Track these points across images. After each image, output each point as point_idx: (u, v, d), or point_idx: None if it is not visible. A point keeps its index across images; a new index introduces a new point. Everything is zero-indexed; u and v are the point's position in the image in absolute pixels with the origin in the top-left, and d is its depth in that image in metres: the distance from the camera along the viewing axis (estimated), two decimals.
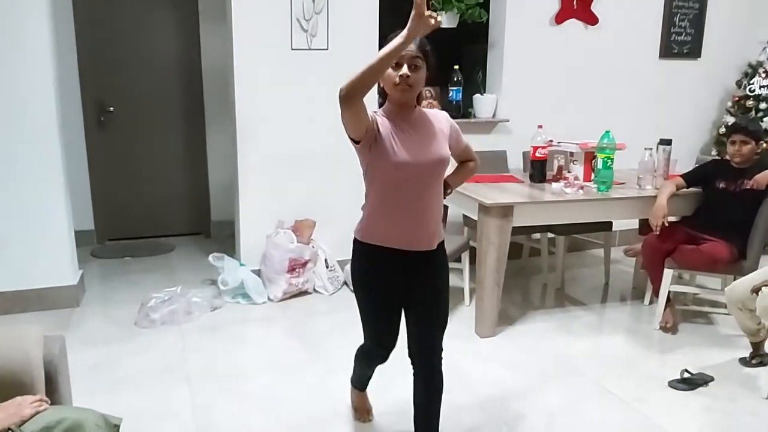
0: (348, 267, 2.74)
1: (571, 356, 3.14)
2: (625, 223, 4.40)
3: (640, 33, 4.74)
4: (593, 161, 3.58)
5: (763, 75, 4.76)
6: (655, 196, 3.39)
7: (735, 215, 3.29)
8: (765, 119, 4.60)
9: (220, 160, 4.91)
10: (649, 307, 3.76)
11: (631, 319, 3.69)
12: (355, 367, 2.42)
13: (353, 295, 2.13)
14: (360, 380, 2.47)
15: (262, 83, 3.83)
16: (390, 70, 1.82)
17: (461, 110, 4.41)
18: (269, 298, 3.81)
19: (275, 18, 3.76)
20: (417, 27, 1.60)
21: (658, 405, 2.69)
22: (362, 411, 2.53)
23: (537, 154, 3.64)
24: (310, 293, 3.95)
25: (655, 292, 3.53)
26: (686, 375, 2.88)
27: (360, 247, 2.02)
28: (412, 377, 2.10)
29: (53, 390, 1.73)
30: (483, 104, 4.42)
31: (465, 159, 2.22)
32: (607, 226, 4.13)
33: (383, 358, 2.22)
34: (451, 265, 3.48)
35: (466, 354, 3.14)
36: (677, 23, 4.81)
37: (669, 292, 3.44)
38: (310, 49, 3.86)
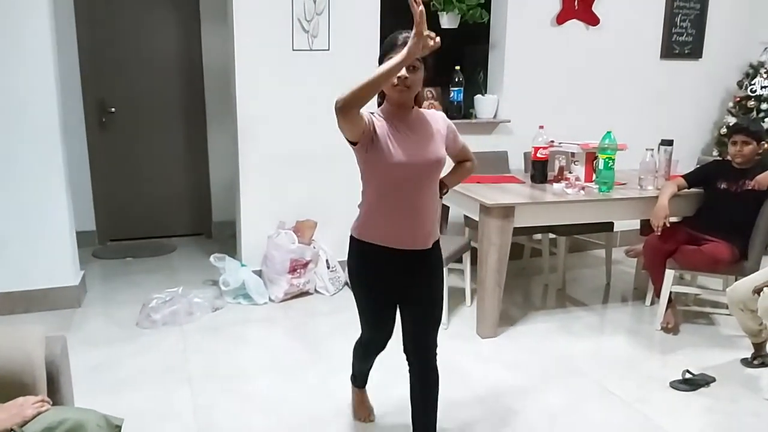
0: None
1: (573, 357, 3.14)
2: (627, 223, 4.40)
3: (641, 33, 4.73)
4: (594, 162, 3.58)
5: (765, 75, 4.75)
6: (657, 197, 3.39)
7: (736, 216, 3.29)
8: (766, 120, 4.60)
9: (222, 160, 4.91)
10: (651, 307, 3.76)
11: (632, 320, 3.69)
12: (353, 362, 2.44)
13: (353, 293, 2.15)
14: (359, 376, 2.48)
15: (263, 84, 3.83)
16: None
17: (462, 111, 4.40)
18: (270, 299, 3.82)
19: (276, 18, 3.76)
20: (416, 46, 1.63)
21: (659, 406, 2.68)
22: (363, 411, 2.53)
23: (538, 155, 3.64)
24: (312, 294, 3.96)
25: (657, 293, 3.53)
26: (688, 376, 2.87)
27: (356, 245, 2.05)
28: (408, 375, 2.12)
29: (55, 390, 1.74)
30: (484, 105, 4.42)
31: (462, 159, 2.24)
32: (608, 226, 4.12)
33: (380, 348, 2.27)
34: (452, 265, 3.51)
35: (468, 354, 3.14)
36: (678, 24, 4.81)
37: (670, 292, 3.44)
38: (311, 49, 3.86)
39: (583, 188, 3.45)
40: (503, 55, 4.42)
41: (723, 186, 3.37)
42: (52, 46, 3.38)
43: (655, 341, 3.36)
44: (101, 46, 4.67)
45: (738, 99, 4.90)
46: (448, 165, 2.16)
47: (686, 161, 4.16)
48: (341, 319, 3.54)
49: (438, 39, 1.68)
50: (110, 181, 4.86)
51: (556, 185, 3.53)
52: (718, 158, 4.30)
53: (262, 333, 3.43)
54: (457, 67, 4.32)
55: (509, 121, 4.45)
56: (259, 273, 3.88)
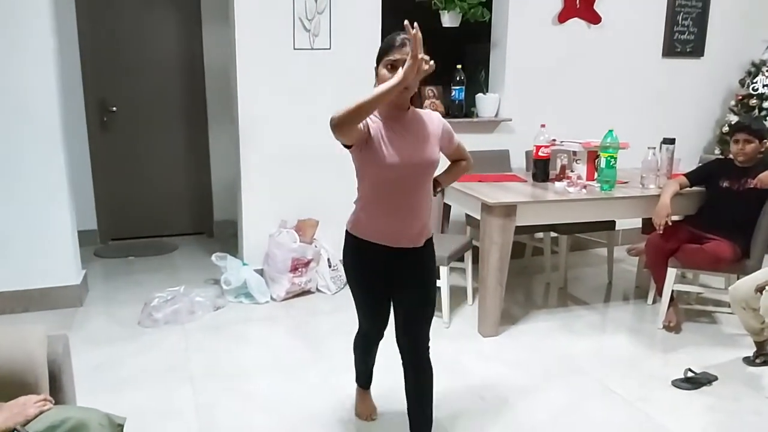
0: None
1: (574, 355, 3.14)
2: (628, 222, 4.40)
3: (642, 32, 4.73)
4: (596, 160, 3.58)
5: (767, 73, 4.74)
6: (659, 196, 3.39)
7: (738, 214, 3.28)
8: None
9: (223, 159, 4.91)
10: (653, 306, 3.75)
11: (634, 319, 3.68)
12: (355, 359, 2.46)
13: None
14: (362, 374, 2.49)
15: (265, 83, 3.83)
16: (385, 72, 1.87)
17: (464, 109, 4.40)
18: (272, 298, 3.82)
19: (277, 18, 3.76)
20: (411, 69, 1.65)
21: (661, 404, 2.68)
22: (365, 410, 2.53)
23: (540, 154, 3.63)
24: (313, 293, 3.96)
25: (659, 292, 3.52)
26: (690, 374, 2.87)
27: (351, 240, 2.10)
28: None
29: (57, 389, 1.74)
30: (486, 103, 4.42)
31: (458, 158, 2.26)
32: (610, 225, 4.12)
33: (378, 337, 2.31)
34: (454, 264, 3.51)
35: (469, 353, 3.14)
36: (680, 22, 4.80)
37: (672, 291, 3.43)
38: (312, 48, 3.86)
39: (584, 187, 3.44)
40: (505, 54, 4.41)
41: (725, 184, 3.37)
42: (54, 46, 3.38)
43: (657, 340, 3.36)
44: (102, 46, 4.68)
45: (740, 97, 4.89)
46: (445, 163, 2.17)
47: (688, 160, 4.15)
48: (343, 317, 3.54)
49: (432, 63, 1.72)
50: (112, 180, 4.87)
51: (557, 184, 3.52)
52: (720, 157, 4.29)
53: (264, 332, 3.43)
54: (459, 66, 4.31)
55: (511, 120, 4.45)
56: (260, 272, 3.88)
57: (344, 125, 1.73)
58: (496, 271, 3.24)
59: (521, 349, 3.22)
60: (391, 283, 2.10)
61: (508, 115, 4.45)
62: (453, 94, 4.33)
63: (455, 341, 3.27)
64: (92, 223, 4.82)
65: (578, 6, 4.45)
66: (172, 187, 5.08)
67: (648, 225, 3.58)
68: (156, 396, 2.69)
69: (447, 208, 3.92)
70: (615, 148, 3.43)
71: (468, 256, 3.67)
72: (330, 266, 3.97)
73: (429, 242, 2.11)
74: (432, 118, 2.06)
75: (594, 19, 4.53)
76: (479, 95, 4.45)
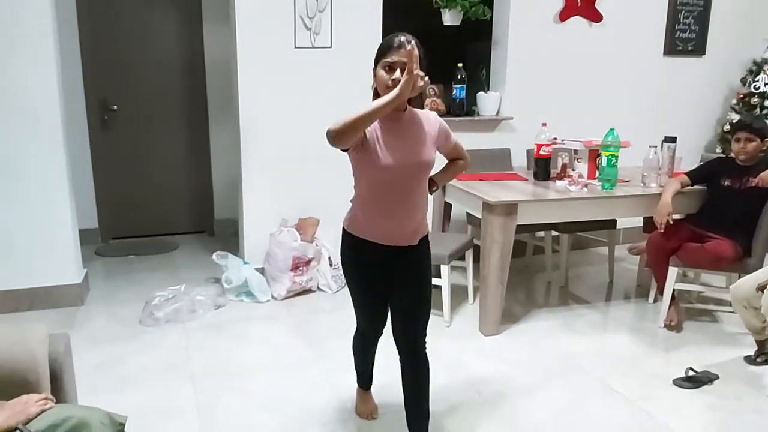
0: None
1: (575, 354, 3.14)
2: (630, 221, 4.39)
3: (644, 30, 4.72)
4: (597, 159, 3.57)
5: None
6: (660, 194, 3.38)
7: (740, 213, 3.28)
8: None
9: (224, 158, 4.91)
10: (654, 305, 3.75)
11: (635, 318, 3.68)
12: (355, 359, 2.46)
13: None
14: (362, 374, 2.49)
15: (266, 81, 3.82)
16: (383, 73, 1.90)
17: (465, 108, 4.40)
18: (273, 297, 3.82)
19: (278, 16, 3.76)
20: (407, 85, 1.70)
21: (662, 403, 2.68)
22: (366, 409, 2.53)
23: (541, 152, 3.63)
24: (314, 291, 3.96)
25: (660, 290, 3.52)
26: (691, 373, 2.87)
27: (347, 238, 2.12)
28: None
29: (58, 388, 1.73)
30: (487, 102, 4.41)
31: (455, 157, 2.27)
32: (611, 224, 4.12)
33: (377, 335, 2.33)
34: (455, 263, 3.51)
35: (470, 352, 3.14)
36: (682, 20, 4.80)
37: (674, 290, 3.43)
38: (313, 47, 3.86)
39: (586, 185, 3.44)
40: (506, 52, 4.41)
41: (726, 183, 3.37)
42: (55, 45, 3.38)
43: (658, 339, 3.36)
44: (103, 45, 4.67)
45: (741, 96, 4.89)
46: (441, 161, 2.17)
47: (689, 158, 4.15)
48: (343, 316, 3.52)
49: (427, 79, 1.78)
50: (112, 178, 4.87)
51: (558, 182, 3.52)
52: (722, 155, 4.29)
53: (265, 330, 3.43)
54: (460, 65, 4.30)
55: (512, 119, 4.44)
56: (261, 271, 3.88)
57: (341, 138, 1.77)
58: (497, 269, 3.24)
59: (522, 347, 3.22)
60: (387, 282, 2.12)
61: (509, 114, 4.44)
62: (454, 92, 4.33)
63: (456, 340, 3.27)
64: (93, 221, 4.82)
65: (579, 4, 4.45)
66: (173, 186, 5.08)
67: (649, 224, 3.57)
68: (157, 395, 2.69)
69: (448, 207, 3.91)
70: (616, 146, 3.42)
71: (469, 254, 3.67)
72: (331, 265, 3.97)
73: (424, 240, 2.13)
74: (429, 118, 2.07)
75: (595, 17, 4.52)
76: (480, 94, 4.44)
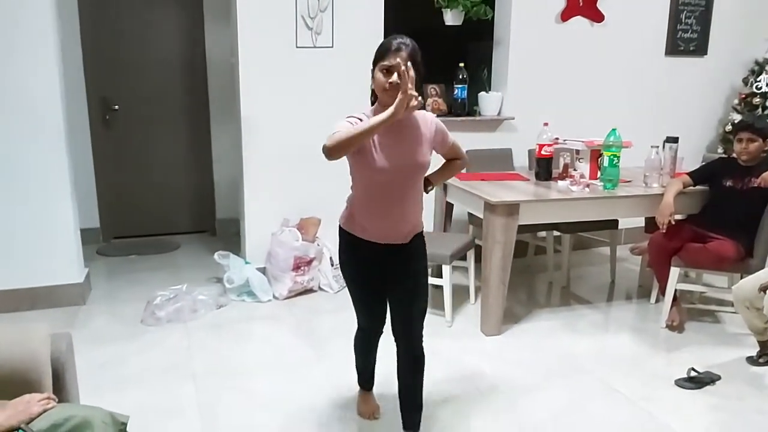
0: None
1: (577, 354, 3.14)
2: (631, 221, 4.39)
3: (646, 30, 4.71)
4: (599, 159, 3.57)
5: None
6: (662, 194, 3.38)
7: (742, 213, 3.27)
8: None
9: (225, 157, 4.91)
10: (656, 305, 3.75)
11: (637, 318, 3.68)
12: (356, 359, 2.47)
13: None
14: (363, 374, 2.50)
15: (267, 81, 3.82)
16: (380, 76, 1.93)
17: (466, 108, 4.39)
18: (274, 296, 3.82)
19: (280, 16, 3.76)
20: (401, 104, 1.75)
21: (664, 404, 2.68)
22: (367, 409, 2.53)
23: (543, 152, 3.63)
24: (315, 291, 3.96)
25: (662, 291, 3.52)
26: (693, 374, 2.87)
27: (344, 236, 2.17)
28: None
29: (60, 388, 1.74)
30: (488, 102, 4.41)
31: (452, 157, 2.28)
32: (613, 224, 4.11)
33: (377, 333, 2.35)
34: (456, 263, 3.51)
35: (472, 352, 3.14)
36: (683, 20, 4.79)
37: (675, 290, 3.42)
38: (315, 47, 3.86)
39: (587, 186, 3.44)
40: (507, 52, 4.40)
41: (728, 183, 3.36)
42: (56, 44, 3.38)
43: (660, 339, 3.36)
44: (105, 45, 4.68)
45: (743, 96, 4.88)
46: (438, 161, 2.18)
47: (691, 158, 4.14)
48: (345, 316, 3.51)
49: (420, 99, 1.83)
50: (114, 178, 4.87)
51: (560, 183, 3.52)
52: (724, 155, 4.28)
53: (266, 330, 3.43)
54: (461, 64, 4.30)
55: (513, 119, 4.44)
56: (263, 270, 3.88)
57: (335, 154, 1.83)
58: (499, 269, 3.23)
59: (524, 348, 3.22)
60: (383, 279, 2.16)
61: (511, 114, 4.44)
62: (455, 92, 4.32)
63: (457, 340, 3.27)
64: (95, 221, 4.83)
65: (581, 4, 4.44)
66: (174, 186, 5.08)
67: (651, 224, 3.57)
68: (159, 394, 2.69)
69: (450, 207, 3.91)
70: (618, 146, 3.42)
71: (470, 254, 3.67)
72: (332, 265, 3.96)
73: (418, 238, 2.17)
74: (426, 119, 2.09)
75: (597, 17, 4.51)
76: (482, 94, 4.44)
